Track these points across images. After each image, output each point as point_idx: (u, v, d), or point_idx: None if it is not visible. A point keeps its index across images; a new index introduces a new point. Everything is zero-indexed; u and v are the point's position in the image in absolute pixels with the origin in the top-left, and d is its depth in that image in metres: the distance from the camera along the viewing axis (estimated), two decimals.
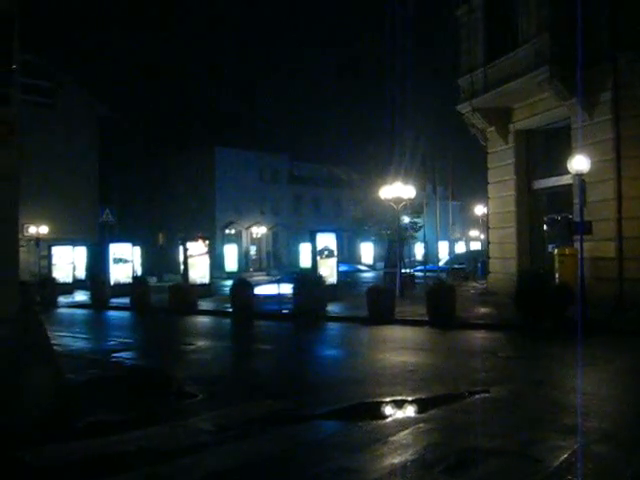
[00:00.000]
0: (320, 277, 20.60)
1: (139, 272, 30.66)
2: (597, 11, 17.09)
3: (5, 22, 6.66)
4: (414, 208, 36.43)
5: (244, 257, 50.08)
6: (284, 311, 19.05)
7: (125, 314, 22.08)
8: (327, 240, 23.30)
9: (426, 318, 15.96)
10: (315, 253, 22.83)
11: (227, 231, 51.41)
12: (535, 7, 18.41)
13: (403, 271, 24.37)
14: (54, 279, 28.58)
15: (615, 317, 15.06)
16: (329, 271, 22.64)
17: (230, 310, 19.84)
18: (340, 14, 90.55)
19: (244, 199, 51.30)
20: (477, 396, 8.23)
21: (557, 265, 17.68)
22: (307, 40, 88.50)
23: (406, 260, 28.85)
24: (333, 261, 23.21)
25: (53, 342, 8.65)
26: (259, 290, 22.47)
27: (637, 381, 9.29)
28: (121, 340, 15.40)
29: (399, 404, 7.89)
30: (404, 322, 16.12)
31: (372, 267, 48.02)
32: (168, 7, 74.33)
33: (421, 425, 6.96)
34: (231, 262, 44.43)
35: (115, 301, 24.11)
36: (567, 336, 12.51)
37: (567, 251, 17.62)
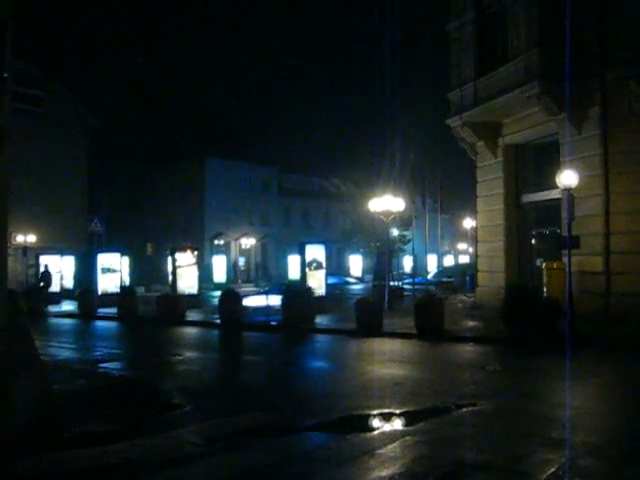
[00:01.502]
0: (309, 289, 20.60)
1: (127, 282, 30.50)
2: (586, 28, 17.26)
3: None
4: (403, 221, 36.57)
5: (233, 268, 49.91)
6: (272, 323, 19.01)
7: (113, 324, 21.95)
8: (316, 252, 23.30)
9: (414, 331, 15.96)
10: (304, 265, 22.81)
11: (216, 242, 51.30)
12: (525, 23, 18.57)
13: (391, 284, 24.39)
14: (42, 288, 28.43)
15: (602, 331, 15.13)
16: (318, 283, 22.63)
17: (218, 321, 19.79)
18: (332, 27, 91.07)
19: (233, 210, 51.25)
20: (465, 409, 8.23)
21: (545, 279, 17.73)
22: (298, 52, 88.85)
23: (394, 273, 28.84)
24: (322, 273, 23.20)
25: (40, 352, 8.58)
26: (247, 301, 22.43)
27: (624, 395, 9.32)
28: (108, 350, 15.32)
29: (387, 417, 7.88)
30: (392, 335, 16.12)
31: (360, 279, 48.02)
32: (161, 19, 74.47)
33: (409, 438, 6.95)
34: (220, 273, 44.31)
35: (103, 311, 23.95)
36: (555, 350, 12.53)
37: (555, 265, 17.69)
